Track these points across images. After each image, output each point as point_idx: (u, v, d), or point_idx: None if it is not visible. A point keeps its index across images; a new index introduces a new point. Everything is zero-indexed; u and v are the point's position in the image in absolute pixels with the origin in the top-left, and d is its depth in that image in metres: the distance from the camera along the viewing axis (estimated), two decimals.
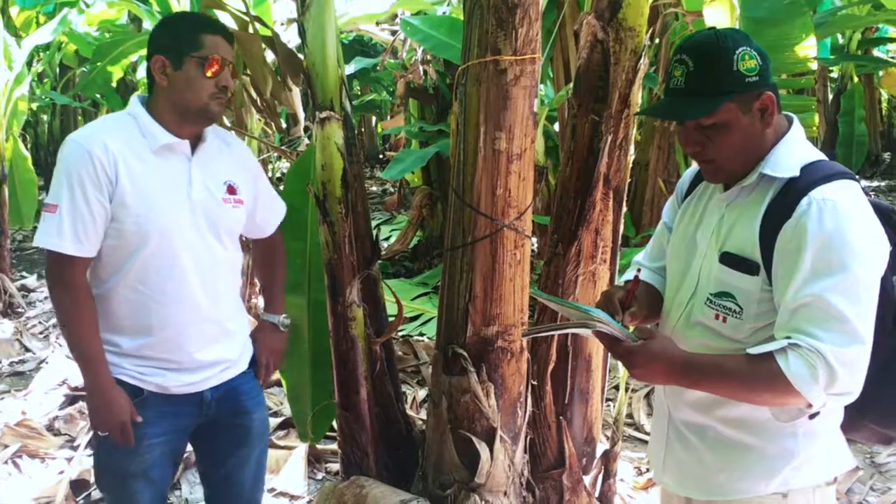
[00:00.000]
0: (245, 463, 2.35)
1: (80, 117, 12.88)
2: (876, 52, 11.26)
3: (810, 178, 1.58)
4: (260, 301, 3.24)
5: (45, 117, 11.61)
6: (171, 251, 2.04)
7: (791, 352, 1.48)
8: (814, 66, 3.62)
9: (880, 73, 10.83)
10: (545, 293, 1.67)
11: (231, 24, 3.17)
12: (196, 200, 2.08)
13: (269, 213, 2.38)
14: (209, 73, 2.03)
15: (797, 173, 1.60)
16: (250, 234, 2.38)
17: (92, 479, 3.64)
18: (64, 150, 2.01)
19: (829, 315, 1.49)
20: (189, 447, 2.39)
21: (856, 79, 10.90)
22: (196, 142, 2.12)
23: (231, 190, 2.17)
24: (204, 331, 2.13)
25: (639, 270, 1.90)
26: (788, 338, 1.51)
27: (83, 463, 3.79)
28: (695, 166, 1.99)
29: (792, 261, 1.53)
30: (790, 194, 1.58)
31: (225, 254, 2.17)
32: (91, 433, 4.04)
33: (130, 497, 2.16)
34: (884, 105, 14.55)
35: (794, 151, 1.65)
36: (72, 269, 2.01)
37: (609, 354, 2.27)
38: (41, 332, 6.11)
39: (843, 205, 1.53)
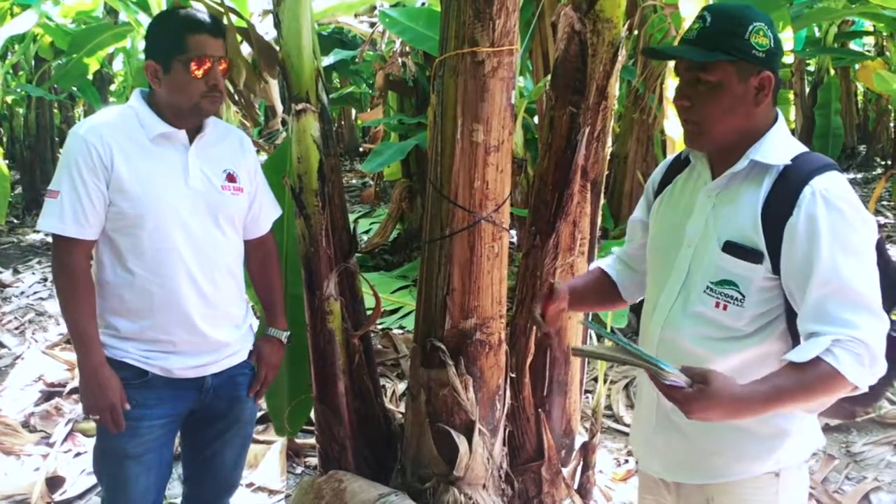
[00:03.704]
0: (229, 447, 2.40)
1: (55, 110, 12.72)
2: (852, 46, 11.34)
3: (806, 168, 1.63)
4: None
5: (20, 110, 11.45)
6: (166, 235, 2.10)
7: (836, 349, 1.50)
8: (789, 59, 3.64)
9: (856, 66, 10.91)
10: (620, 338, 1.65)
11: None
12: (193, 187, 2.14)
13: (267, 206, 2.41)
14: (197, 74, 2.08)
15: (789, 161, 1.64)
16: (246, 232, 2.38)
17: (68, 476, 3.62)
18: (66, 141, 2.12)
19: (856, 300, 1.54)
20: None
21: (832, 72, 10.99)
22: (195, 132, 2.18)
23: (230, 178, 2.23)
24: (205, 314, 2.18)
25: (548, 285, 2.00)
26: (815, 333, 1.54)
27: (59, 460, 3.75)
28: (665, 162, 2.01)
29: (808, 252, 1.57)
30: (789, 184, 1.62)
31: (225, 240, 2.22)
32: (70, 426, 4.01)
33: (125, 482, 2.19)
34: (860, 98, 14.69)
35: (783, 141, 1.70)
36: (73, 251, 2.09)
37: None
38: (17, 328, 6.04)
39: (843, 193, 1.59)
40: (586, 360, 3.11)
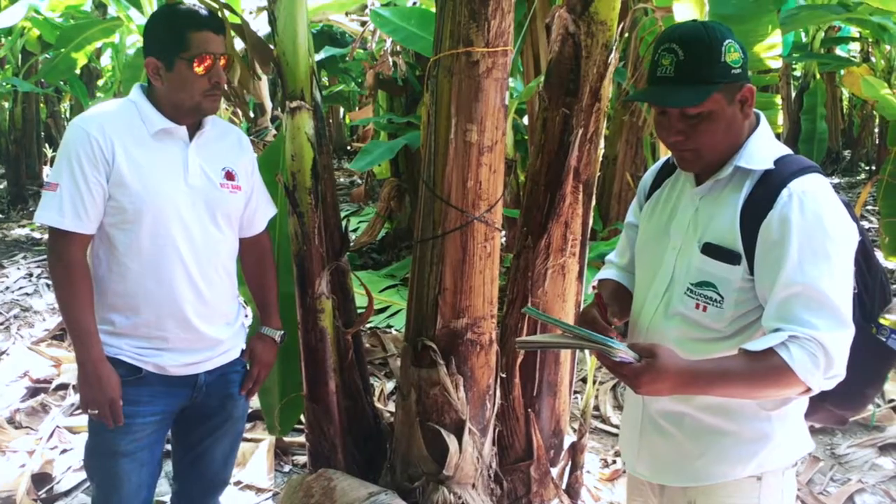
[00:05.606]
0: (219, 444, 2.40)
1: (42, 104, 12.63)
2: (838, 51, 11.43)
3: (786, 170, 1.63)
4: None
5: (6, 104, 11.36)
6: (165, 231, 2.09)
7: (791, 344, 1.51)
8: (778, 63, 3.67)
9: (842, 71, 11.00)
10: (557, 320, 1.63)
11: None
12: (193, 184, 2.13)
13: (263, 205, 2.40)
14: (199, 72, 2.07)
15: (772, 165, 1.65)
16: (241, 231, 2.37)
17: (54, 473, 3.60)
18: (66, 133, 2.08)
19: (820, 303, 1.53)
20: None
21: (818, 77, 11.07)
22: (195, 128, 2.17)
23: (229, 176, 2.22)
24: (199, 311, 2.18)
25: (594, 289, 1.89)
26: (778, 329, 1.54)
27: (45, 456, 3.73)
28: (656, 165, 2.01)
29: (778, 252, 1.57)
30: (768, 186, 1.63)
31: (221, 237, 2.21)
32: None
33: (117, 479, 2.18)
34: (845, 103, 14.80)
35: (765, 145, 1.70)
36: (70, 245, 2.06)
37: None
38: (2, 324, 5.99)
39: (821, 196, 1.59)
40: (576, 360, 3.12)
